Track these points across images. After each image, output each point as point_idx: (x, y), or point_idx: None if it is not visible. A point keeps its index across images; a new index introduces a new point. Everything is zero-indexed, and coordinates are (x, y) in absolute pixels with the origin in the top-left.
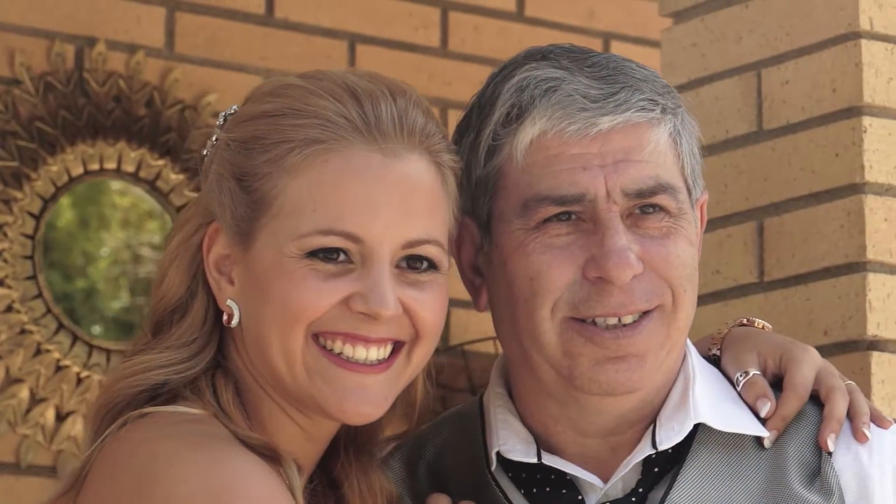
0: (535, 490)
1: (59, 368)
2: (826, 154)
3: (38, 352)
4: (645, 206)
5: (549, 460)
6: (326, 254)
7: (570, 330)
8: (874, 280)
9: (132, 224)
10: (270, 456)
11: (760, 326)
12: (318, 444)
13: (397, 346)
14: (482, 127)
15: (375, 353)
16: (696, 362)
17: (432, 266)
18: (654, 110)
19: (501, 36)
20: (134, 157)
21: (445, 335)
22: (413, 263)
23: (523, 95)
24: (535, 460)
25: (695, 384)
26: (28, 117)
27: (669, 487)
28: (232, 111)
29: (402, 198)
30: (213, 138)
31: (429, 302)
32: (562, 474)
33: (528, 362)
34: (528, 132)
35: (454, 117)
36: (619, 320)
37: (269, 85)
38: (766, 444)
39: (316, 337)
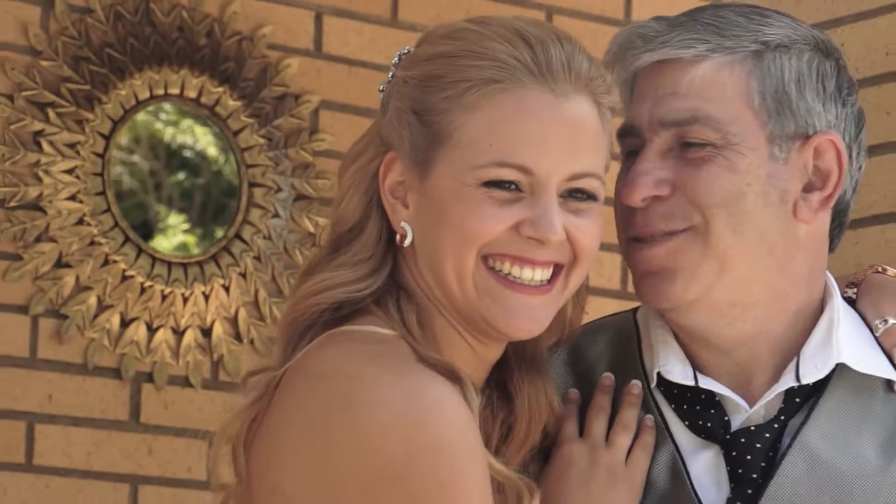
0: (685, 406)
1: (124, 278)
2: (878, 112)
3: (106, 262)
4: (686, 136)
5: (705, 382)
6: (500, 184)
7: (627, 244)
8: None
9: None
10: (451, 377)
11: (893, 275)
12: (486, 364)
13: (557, 269)
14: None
15: (540, 274)
16: (841, 305)
17: (591, 197)
18: (696, 48)
19: None
20: (195, 83)
21: None
22: (574, 194)
23: (610, 45)
24: (692, 382)
25: (839, 327)
26: (99, 44)
27: (807, 417)
28: (406, 51)
29: (569, 135)
30: (390, 75)
31: (587, 228)
32: (711, 395)
33: None
34: (614, 74)
35: None
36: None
37: (443, 28)
38: None
39: (485, 259)
